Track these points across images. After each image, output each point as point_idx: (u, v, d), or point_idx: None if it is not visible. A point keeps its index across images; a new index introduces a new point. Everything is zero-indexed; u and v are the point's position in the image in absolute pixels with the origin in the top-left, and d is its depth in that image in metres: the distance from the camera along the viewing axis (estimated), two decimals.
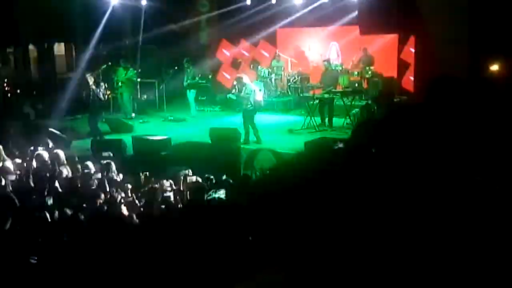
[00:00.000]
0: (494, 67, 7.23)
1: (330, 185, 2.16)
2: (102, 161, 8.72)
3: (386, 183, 2.15)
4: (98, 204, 6.45)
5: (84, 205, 6.34)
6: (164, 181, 7.76)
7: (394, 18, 7.87)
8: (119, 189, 7.33)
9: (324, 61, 14.96)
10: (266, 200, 1.13)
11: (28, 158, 8.43)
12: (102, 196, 6.64)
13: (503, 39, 6.09)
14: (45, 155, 8.43)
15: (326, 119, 13.18)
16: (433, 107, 2.84)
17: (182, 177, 7.89)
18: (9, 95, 15.99)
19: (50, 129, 11.76)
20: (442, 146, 2.40)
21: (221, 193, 5.35)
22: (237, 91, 12.34)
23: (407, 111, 3.02)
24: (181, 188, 7.63)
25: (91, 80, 12.45)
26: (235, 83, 12.74)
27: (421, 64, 7.71)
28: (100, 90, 12.53)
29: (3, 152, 8.50)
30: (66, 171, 8.09)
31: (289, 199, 1.20)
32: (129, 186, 7.45)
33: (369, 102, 13.20)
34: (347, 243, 1.71)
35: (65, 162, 8.40)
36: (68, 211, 6.10)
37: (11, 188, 6.99)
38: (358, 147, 2.56)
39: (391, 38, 15.88)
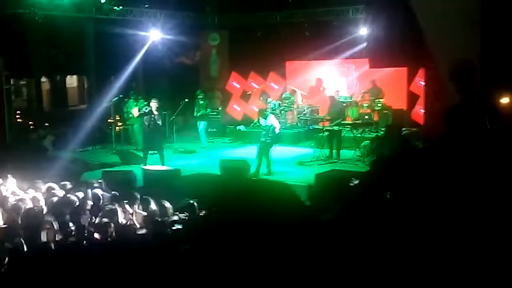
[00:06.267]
0: (505, 100, 7.21)
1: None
2: (112, 192, 8.73)
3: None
4: (110, 233, 6.46)
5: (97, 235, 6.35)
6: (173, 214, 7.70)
7: (403, 51, 7.92)
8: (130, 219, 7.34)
9: (330, 95, 14.97)
10: None
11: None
12: (112, 225, 6.64)
13: None
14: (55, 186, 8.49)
15: (335, 151, 13.12)
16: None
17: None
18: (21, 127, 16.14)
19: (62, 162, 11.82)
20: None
21: None
22: (259, 122, 12.19)
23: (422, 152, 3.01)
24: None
25: (154, 106, 12.63)
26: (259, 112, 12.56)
27: (431, 97, 7.72)
28: (160, 116, 12.77)
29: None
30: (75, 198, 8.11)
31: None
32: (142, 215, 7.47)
33: (379, 134, 13.18)
34: None
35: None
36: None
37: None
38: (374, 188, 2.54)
39: (401, 71, 15.96)
